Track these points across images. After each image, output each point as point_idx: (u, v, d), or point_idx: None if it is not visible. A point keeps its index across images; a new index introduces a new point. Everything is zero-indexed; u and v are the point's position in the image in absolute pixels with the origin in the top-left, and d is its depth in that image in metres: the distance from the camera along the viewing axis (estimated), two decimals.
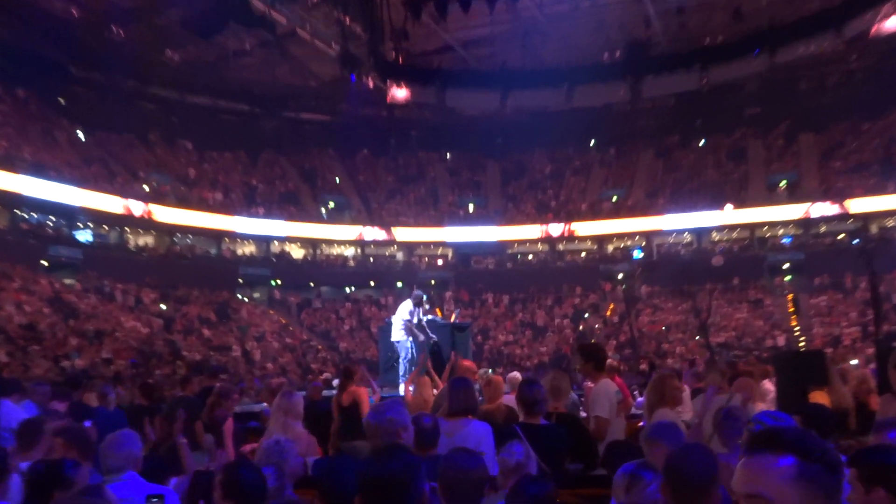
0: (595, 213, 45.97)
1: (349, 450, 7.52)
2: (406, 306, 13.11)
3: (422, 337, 13.04)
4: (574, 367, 6.83)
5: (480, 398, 6.77)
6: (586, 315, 40.67)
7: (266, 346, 34.37)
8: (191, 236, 41.44)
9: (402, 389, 11.85)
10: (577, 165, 50.26)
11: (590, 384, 6.58)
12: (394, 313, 13.32)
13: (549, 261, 46.59)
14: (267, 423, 6.45)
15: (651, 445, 4.11)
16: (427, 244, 47.59)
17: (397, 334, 13.06)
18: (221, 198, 42.28)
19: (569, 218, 46.16)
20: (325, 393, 11.62)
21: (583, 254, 46.84)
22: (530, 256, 47.77)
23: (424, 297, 13.75)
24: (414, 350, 13.07)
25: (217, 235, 42.16)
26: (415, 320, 13.08)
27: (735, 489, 2.07)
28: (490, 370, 9.81)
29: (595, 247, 46.88)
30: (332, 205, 47.79)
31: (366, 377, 9.74)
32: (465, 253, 47.87)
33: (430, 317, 14.32)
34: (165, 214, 38.68)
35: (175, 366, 27.80)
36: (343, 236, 46.04)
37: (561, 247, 47.85)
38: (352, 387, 8.51)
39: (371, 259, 47.07)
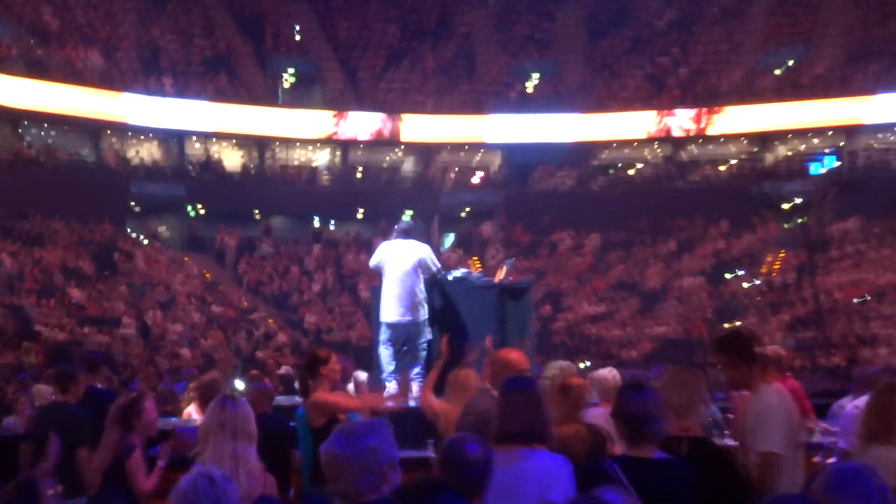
0: (749, 94, 45.55)
1: (327, 497, 7.62)
2: (418, 251, 13.12)
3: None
4: (711, 361, 6.88)
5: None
6: (733, 272, 40.58)
7: (178, 316, 34.81)
8: (50, 130, 41.62)
9: (415, 391, 11.93)
10: (718, 11, 49.58)
11: (742, 392, 6.59)
12: (399, 262, 13.34)
13: (668, 177, 46.26)
14: (189, 449, 6.49)
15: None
16: (456, 146, 47.64)
17: (407, 300, 13.13)
18: (101, 63, 42.35)
19: (703, 102, 45.71)
20: (280, 400, 11.70)
21: (727, 165, 46.39)
22: (634, 169, 47.49)
23: (448, 238, 13.79)
24: (437, 327, 13.09)
25: (94, 128, 42.47)
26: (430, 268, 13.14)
27: None
28: (563, 365, 9.69)
29: (749, 152, 46.38)
30: (291, 76, 47.64)
31: (346, 371, 9.88)
32: (521, 162, 47.68)
33: (458, 272, 14.33)
34: (7, 90, 38.92)
35: (22, 350, 28.15)
36: (310, 131, 46.25)
37: (689, 153, 47.37)
38: (322, 391, 8.61)
39: (359, 171, 47.07)
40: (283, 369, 22.23)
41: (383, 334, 13.05)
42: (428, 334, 13.06)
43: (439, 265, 13.39)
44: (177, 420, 12.53)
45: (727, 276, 40.36)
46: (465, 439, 4.84)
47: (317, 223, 45.42)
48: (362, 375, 14.84)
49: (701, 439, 6.01)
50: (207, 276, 39.92)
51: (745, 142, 46.45)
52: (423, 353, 13.02)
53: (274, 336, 35.99)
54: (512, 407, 5.66)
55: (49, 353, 28.49)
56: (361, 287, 38.53)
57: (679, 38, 49.44)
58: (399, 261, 12.96)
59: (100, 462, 7.75)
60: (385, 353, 13.02)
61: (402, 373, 12.06)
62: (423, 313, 13.04)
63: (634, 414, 5.45)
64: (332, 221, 45.67)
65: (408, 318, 12.93)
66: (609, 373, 8.91)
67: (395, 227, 13.43)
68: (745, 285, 39.37)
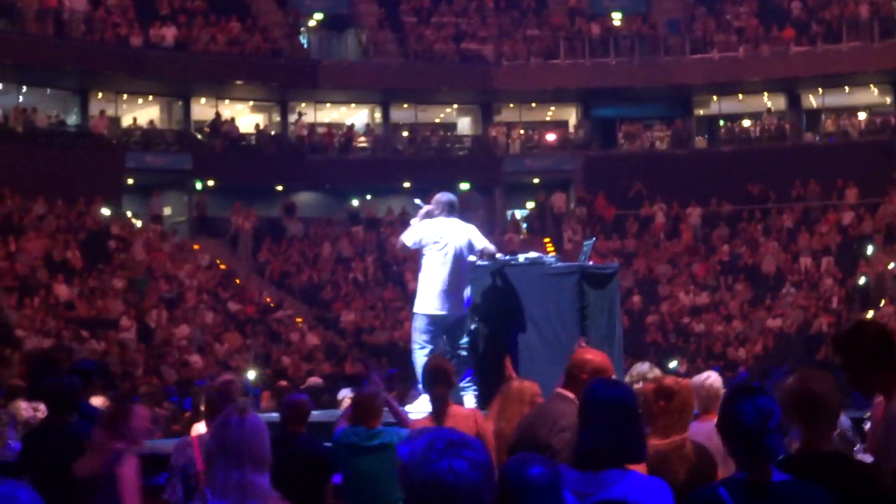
0: (890, 27, 45.02)
1: None
2: (469, 231, 13.02)
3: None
4: (839, 362, 6.77)
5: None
6: (869, 250, 40.26)
7: (187, 316, 35.02)
8: (24, 89, 41.82)
9: (468, 404, 11.98)
10: None
11: (881, 399, 6.54)
12: (451, 243, 13.19)
13: (785, 132, 45.94)
14: (192, 478, 6.54)
15: None
16: (524, 95, 47.54)
17: (460, 290, 13.06)
18: (87, 7, 42.40)
19: (830, 37, 45.24)
20: (316, 415, 11.80)
21: (863, 115, 46.07)
22: (746, 123, 47.22)
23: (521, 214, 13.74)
24: (495, 322, 13.11)
25: (80, 87, 42.75)
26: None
27: None
28: (645, 370, 9.70)
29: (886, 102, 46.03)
30: (318, 17, 47.67)
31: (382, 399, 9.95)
32: (603, 117, 47.45)
33: (527, 256, 14.31)
34: None
35: (1, 356, 28.44)
36: (345, 83, 46.25)
37: (813, 101, 47.00)
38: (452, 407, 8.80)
39: (404, 134, 47.10)
40: (312, 380, 22.42)
41: (423, 333, 12.95)
42: (482, 335, 13.02)
43: (494, 248, 13.30)
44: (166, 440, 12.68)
45: (863, 254, 39.96)
46: (526, 460, 4.64)
47: (354, 200, 45.36)
48: (347, 394, 14.91)
49: (834, 455, 5.86)
50: (221, 266, 40.09)
51: (882, 86, 45.98)
52: (470, 356, 13.03)
53: (304, 339, 36.14)
54: (596, 419, 5.58)
55: (32, 363, 28.76)
56: (409, 277, 38.58)
57: None
58: (451, 241, 12.87)
59: (86, 471, 8.01)
60: (421, 356, 12.75)
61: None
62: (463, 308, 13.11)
63: (748, 426, 5.29)
64: (372, 196, 45.64)
65: (460, 311, 12.96)
66: (712, 379, 8.90)
67: (439, 199, 13.21)
68: (889, 271, 38.97)
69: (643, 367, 9.92)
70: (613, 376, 7.91)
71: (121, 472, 7.83)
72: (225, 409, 6.25)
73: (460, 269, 12.87)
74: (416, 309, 12.99)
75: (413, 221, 13.26)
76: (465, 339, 12.98)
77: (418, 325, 12.95)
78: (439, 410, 9.04)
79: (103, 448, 8.14)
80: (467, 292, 13.06)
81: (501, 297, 13.35)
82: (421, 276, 13.02)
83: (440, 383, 9.14)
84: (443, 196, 13.28)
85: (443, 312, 12.82)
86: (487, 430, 8.62)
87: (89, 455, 8.15)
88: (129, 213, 41.19)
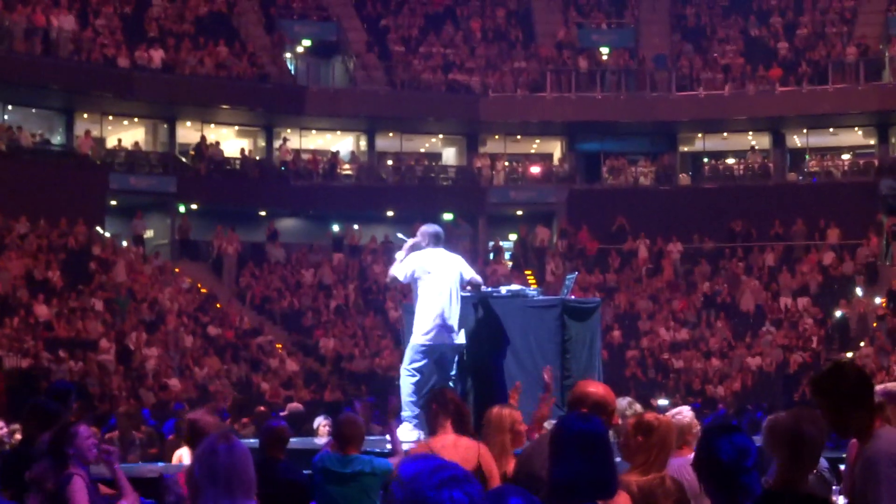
0: (874, 67, 45.21)
1: None
2: (460, 262, 13.10)
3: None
4: (817, 403, 6.78)
5: (618, 460, 6.84)
6: (851, 290, 40.39)
7: (167, 339, 34.99)
8: (9, 108, 41.79)
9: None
10: None
11: (857, 442, 6.55)
12: (444, 274, 13.22)
13: (769, 170, 46.18)
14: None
15: None
16: (510, 126, 47.68)
17: (456, 320, 13.07)
18: (75, 27, 42.41)
19: (815, 77, 45.44)
20: (294, 443, 11.82)
21: (847, 156, 46.21)
22: (730, 160, 47.42)
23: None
24: (480, 354, 13.16)
25: (65, 107, 42.89)
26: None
27: None
28: (625, 405, 9.77)
29: (869, 143, 46.19)
30: (306, 43, 47.80)
31: (365, 417, 9.97)
32: (589, 149, 47.60)
33: (510, 288, 14.35)
34: None
35: None
36: (330, 111, 46.35)
37: (797, 140, 47.26)
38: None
39: (388, 162, 47.18)
40: (292, 406, 22.40)
41: (415, 361, 13.01)
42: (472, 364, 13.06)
43: (479, 279, 13.40)
44: (164, 466, 12.68)
45: (843, 295, 40.09)
46: (505, 492, 4.71)
47: (335, 227, 45.39)
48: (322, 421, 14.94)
49: (812, 498, 5.88)
50: (202, 289, 40.07)
51: (866, 128, 46.20)
52: (456, 385, 13.06)
53: (285, 364, 36.13)
54: (567, 453, 5.52)
55: (9, 383, 28.71)
56: (390, 305, 38.59)
57: None
58: (444, 272, 13.02)
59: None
60: (409, 384, 12.94)
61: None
62: (462, 338, 13.14)
63: (726, 464, 5.35)
64: (355, 223, 45.66)
65: (458, 340, 13.02)
66: (680, 412, 8.92)
67: (425, 231, 13.36)
68: (867, 312, 39.08)
69: (622, 403, 9.96)
70: (616, 409, 7.95)
71: (70, 493, 8.00)
72: (208, 437, 6.17)
73: (453, 299, 12.99)
74: (412, 338, 13.05)
75: (398, 255, 13.35)
76: (454, 370, 13.05)
77: (412, 353, 13.02)
78: (443, 438, 9.04)
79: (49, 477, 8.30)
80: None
81: (484, 328, 13.44)
82: (417, 307, 13.07)
83: (446, 412, 9.16)
84: (429, 227, 13.43)
85: (438, 342, 12.93)
86: (490, 461, 8.65)
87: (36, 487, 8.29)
88: (110, 235, 41.04)
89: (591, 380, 8.80)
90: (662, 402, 31.04)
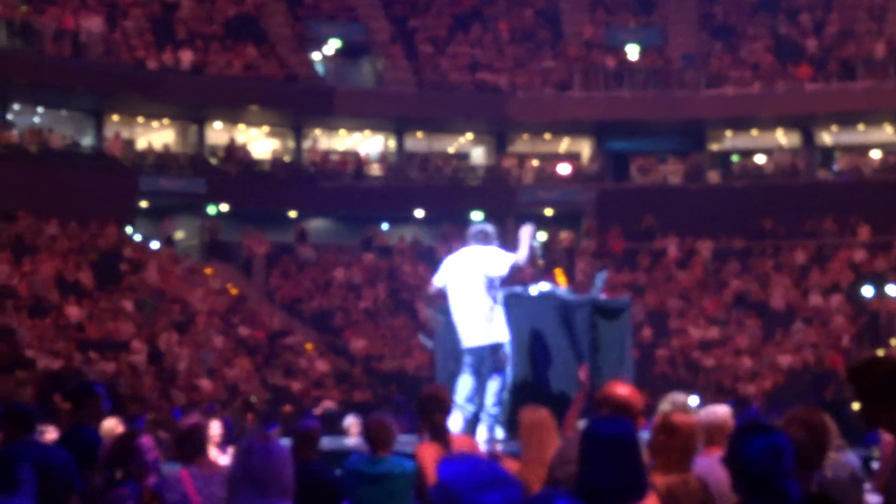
0: None
1: None
2: (480, 256, 12.96)
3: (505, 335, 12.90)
4: (849, 398, 6.70)
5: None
6: (881, 288, 40.22)
7: (197, 340, 35.05)
8: (39, 109, 41.92)
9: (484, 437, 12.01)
10: None
11: (889, 438, 6.55)
12: (460, 275, 13.12)
13: (798, 168, 46.00)
14: None
15: None
16: (538, 126, 47.62)
17: (478, 320, 12.99)
18: (104, 29, 42.57)
19: (846, 73, 45.28)
20: (326, 443, 11.81)
21: (877, 153, 46.03)
22: (760, 158, 47.25)
23: (537, 242, 13.60)
24: (513, 355, 13.13)
25: (95, 108, 42.88)
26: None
27: None
28: (678, 400, 9.67)
29: None
30: (334, 44, 47.85)
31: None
32: (618, 148, 47.51)
33: (540, 286, 14.31)
34: None
35: (12, 377, 28.48)
36: (360, 111, 46.42)
37: (826, 137, 47.08)
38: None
39: (417, 162, 47.22)
40: (325, 404, 22.39)
41: (458, 363, 13.08)
42: (505, 362, 12.95)
43: (517, 260, 13.07)
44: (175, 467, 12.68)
45: (874, 291, 39.91)
46: (551, 496, 4.67)
47: (366, 227, 45.38)
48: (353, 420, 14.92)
49: (818, 497, 5.92)
50: (232, 290, 40.14)
51: None
52: (502, 393, 12.99)
53: (315, 365, 36.17)
54: (595, 456, 5.53)
55: (39, 381, 28.84)
56: (419, 306, 38.61)
57: None
58: (460, 274, 12.97)
59: None
60: (466, 384, 12.93)
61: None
62: (501, 334, 12.99)
63: (757, 463, 5.32)
64: (385, 224, 45.72)
65: (480, 342, 12.90)
66: (719, 412, 8.80)
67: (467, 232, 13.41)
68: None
69: (675, 397, 9.90)
70: (642, 411, 7.91)
71: None
72: (246, 438, 6.19)
73: (472, 299, 12.84)
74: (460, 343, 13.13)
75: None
76: (490, 369, 12.93)
77: (464, 357, 13.03)
78: (439, 437, 9.04)
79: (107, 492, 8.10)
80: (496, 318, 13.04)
81: (513, 328, 13.31)
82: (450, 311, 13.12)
83: (435, 411, 9.15)
84: (470, 228, 13.49)
85: (466, 344, 12.91)
86: (424, 459, 8.73)
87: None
88: (140, 236, 41.16)
89: (619, 381, 8.73)
90: (669, 403, 31.01)
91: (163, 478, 8.62)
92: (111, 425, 11.65)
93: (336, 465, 10.08)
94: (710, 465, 7.38)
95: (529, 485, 7.90)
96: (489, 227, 13.41)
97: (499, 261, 12.88)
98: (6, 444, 8.99)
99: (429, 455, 8.96)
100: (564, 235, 45.01)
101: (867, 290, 40.08)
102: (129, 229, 40.68)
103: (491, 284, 12.86)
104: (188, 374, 33.00)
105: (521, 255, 12.86)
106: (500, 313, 12.94)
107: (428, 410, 9.21)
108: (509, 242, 13.61)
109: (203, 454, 8.61)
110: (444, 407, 9.15)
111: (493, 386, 12.87)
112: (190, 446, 8.74)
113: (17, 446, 8.71)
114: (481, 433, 12.48)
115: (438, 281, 13.16)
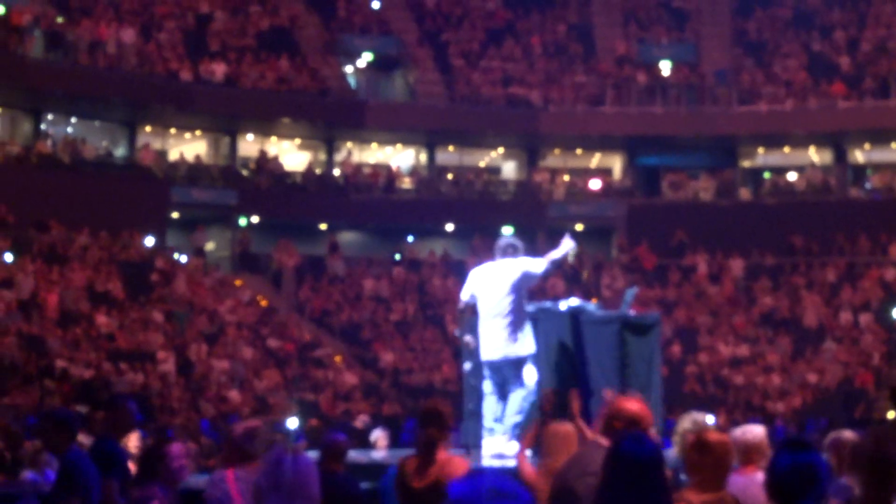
0: None
1: None
2: (509, 268, 12.93)
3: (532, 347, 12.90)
4: (877, 415, 6.61)
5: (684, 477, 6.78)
6: None
7: (227, 351, 35.12)
8: (72, 120, 42.04)
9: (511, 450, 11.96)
10: None
11: None
12: (488, 287, 13.12)
13: (830, 186, 45.91)
14: None
15: None
16: (570, 140, 47.61)
17: (503, 333, 12.96)
18: (137, 41, 42.74)
19: (880, 91, 45.14)
20: (354, 456, 11.81)
21: None
22: (792, 175, 47.19)
23: (572, 250, 13.58)
24: (538, 371, 13.09)
25: (128, 120, 43.19)
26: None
27: None
28: (698, 419, 9.61)
29: None
30: (367, 57, 47.94)
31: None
32: (649, 163, 47.44)
33: (570, 301, 14.29)
34: (24, 70, 39.54)
35: (41, 386, 28.60)
36: (392, 124, 46.52)
37: (859, 156, 46.97)
38: (441, 453, 8.78)
39: (448, 176, 47.26)
40: (359, 418, 22.41)
41: (483, 378, 13.07)
42: (533, 376, 12.91)
43: (544, 268, 13.08)
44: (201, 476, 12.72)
45: None
46: None
47: (396, 240, 45.42)
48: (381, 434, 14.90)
49: None
50: (262, 302, 40.19)
51: None
52: (525, 403, 12.93)
53: (343, 378, 36.18)
54: (618, 477, 5.50)
55: (68, 392, 28.97)
56: (449, 319, 38.55)
57: (849, 10, 48.80)
58: (483, 288, 13.00)
59: None
60: (491, 401, 12.97)
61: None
62: (526, 348, 12.99)
63: (789, 484, 5.33)
64: (415, 237, 45.76)
65: (502, 355, 12.90)
66: (753, 432, 8.72)
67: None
68: None
69: (695, 416, 9.83)
70: (651, 426, 7.85)
71: None
72: (274, 450, 6.28)
73: (498, 313, 12.84)
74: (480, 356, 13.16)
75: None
76: (512, 383, 12.90)
77: (483, 371, 13.11)
78: (427, 453, 9.00)
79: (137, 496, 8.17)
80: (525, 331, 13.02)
81: (542, 343, 13.31)
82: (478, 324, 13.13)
83: (430, 425, 9.12)
84: (498, 242, 13.41)
85: (485, 357, 12.91)
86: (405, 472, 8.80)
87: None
88: (171, 247, 41.29)
89: (630, 396, 8.70)
90: (710, 419, 30.91)
91: (209, 477, 8.72)
92: (131, 441, 11.75)
93: (365, 478, 10.10)
94: (745, 483, 7.33)
95: (544, 496, 7.95)
96: (517, 241, 13.41)
97: (531, 261, 13.01)
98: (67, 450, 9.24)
99: (408, 465, 8.96)
100: (593, 252, 44.95)
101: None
102: (160, 240, 40.77)
103: (519, 298, 12.86)
104: (217, 386, 33.08)
105: (553, 255, 13.14)
106: (527, 328, 12.92)
107: (423, 424, 9.18)
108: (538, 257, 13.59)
109: (254, 459, 8.65)
110: (442, 422, 9.05)
111: (515, 397, 12.85)
112: (239, 450, 8.82)
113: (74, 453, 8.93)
114: (500, 442, 12.49)
115: (465, 294, 13.18)
